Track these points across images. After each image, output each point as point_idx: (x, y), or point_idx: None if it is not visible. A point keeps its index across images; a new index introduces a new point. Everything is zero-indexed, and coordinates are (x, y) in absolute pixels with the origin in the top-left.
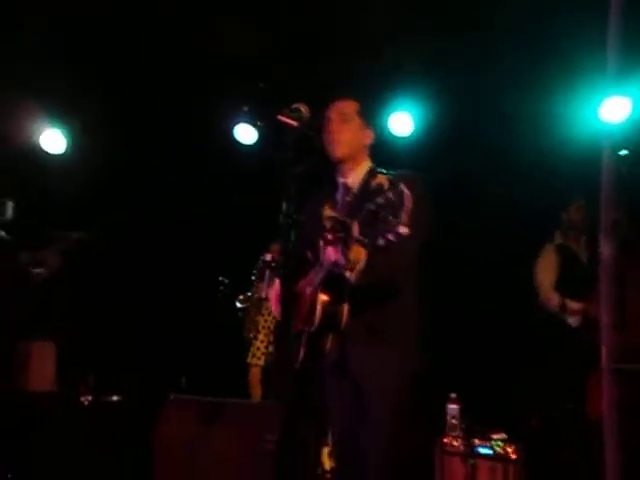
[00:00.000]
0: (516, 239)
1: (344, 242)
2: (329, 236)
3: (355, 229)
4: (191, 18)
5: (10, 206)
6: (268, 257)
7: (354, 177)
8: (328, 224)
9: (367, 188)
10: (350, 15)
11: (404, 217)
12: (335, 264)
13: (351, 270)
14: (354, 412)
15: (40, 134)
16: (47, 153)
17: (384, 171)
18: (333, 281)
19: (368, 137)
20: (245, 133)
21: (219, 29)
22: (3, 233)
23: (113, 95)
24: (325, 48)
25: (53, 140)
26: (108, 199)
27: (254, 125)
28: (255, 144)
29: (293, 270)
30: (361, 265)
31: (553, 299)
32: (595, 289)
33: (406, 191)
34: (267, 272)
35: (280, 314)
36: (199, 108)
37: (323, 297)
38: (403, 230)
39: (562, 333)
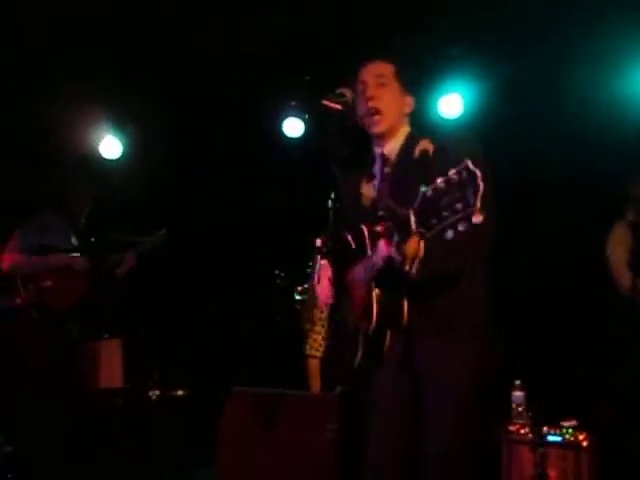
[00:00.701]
0: (584, 217)
1: (399, 235)
2: (379, 228)
3: (412, 220)
4: (237, 17)
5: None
6: (318, 242)
7: (391, 145)
8: (377, 211)
9: (408, 156)
10: None
11: (478, 202)
12: (389, 260)
13: (408, 264)
14: (410, 411)
15: (100, 141)
16: (105, 159)
17: (425, 133)
18: (388, 275)
19: (408, 104)
20: (293, 126)
21: (265, 26)
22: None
23: (168, 98)
24: (371, 32)
25: (111, 146)
26: (166, 200)
27: (301, 118)
28: (303, 136)
29: (341, 255)
30: (420, 257)
31: (625, 277)
32: None
33: (476, 169)
34: (317, 257)
35: (329, 298)
36: (249, 106)
37: (378, 293)
38: (477, 219)
39: (635, 316)
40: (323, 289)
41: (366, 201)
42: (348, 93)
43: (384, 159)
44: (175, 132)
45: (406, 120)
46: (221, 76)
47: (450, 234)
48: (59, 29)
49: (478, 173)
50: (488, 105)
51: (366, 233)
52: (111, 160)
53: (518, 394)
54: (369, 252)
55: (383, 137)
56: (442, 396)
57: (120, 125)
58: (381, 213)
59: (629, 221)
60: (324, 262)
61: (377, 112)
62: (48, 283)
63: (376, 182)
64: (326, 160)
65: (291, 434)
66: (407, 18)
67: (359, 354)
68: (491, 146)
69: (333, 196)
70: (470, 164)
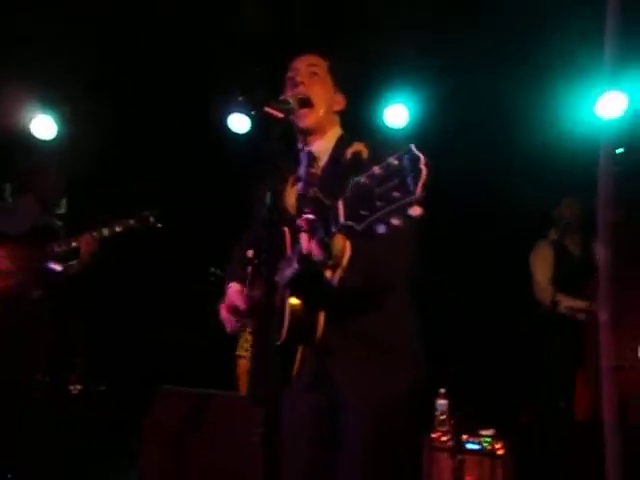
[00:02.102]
0: (510, 234)
1: (323, 229)
2: (302, 221)
3: (340, 211)
4: (187, 5)
5: (64, 202)
6: (249, 253)
7: (321, 145)
8: (301, 204)
9: (339, 157)
10: (347, 5)
11: (419, 190)
12: (309, 258)
13: (331, 267)
14: (325, 436)
15: (31, 120)
16: (38, 139)
17: (358, 138)
18: (305, 280)
19: (339, 102)
20: (238, 122)
21: (215, 17)
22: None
23: (105, 82)
24: (322, 36)
25: (44, 126)
26: (98, 187)
27: (247, 114)
28: (248, 133)
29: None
30: (345, 259)
31: (548, 294)
32: (591, 284)
33: (420, 155)
34: (249, 268)
35: (231, 328)
36: (193, 96)
37: (293, 301)
38: (415, 212)
39: (556, 329)
40: (225, 317)
41: (290, 204)
42: (292, 100)
43: (311, 158)
44: (114, 121)
45: (336, 119)
46: (167, 66)
47: (382, 228)
48: None
49: (422, 157)
50: (433, 116)
51: (287, 235)
52: (45, 141)
53: (442, 402)
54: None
55: (311, 133)
56: (360, 423)
57: (54, 105)
58: (305, 203)
59: (551, 240)
60: (232, 287)
61: (306, 103)
62: None
63: (300, 185)
64: (265, 164)
65: (218, 435)
66: (356, 25)
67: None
68: (434, 157)
69: (268, 202)
70: (414, 148)
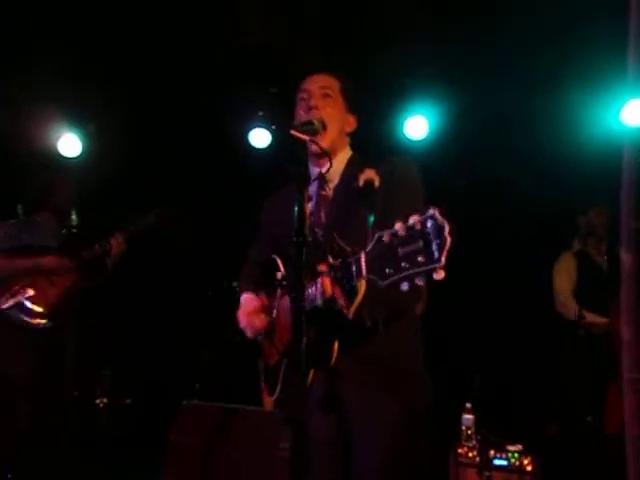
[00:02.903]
0: (535, 244)
1: (346, 278)
2: (323, 266)
3: (363, 264)
4: (207, 23)
5: (74, 216)
6: (278, 275)
7: (332, 167)
8: (323, 246)
9: (350, 181)
10: (364, 17)
11: (443, 258)
12: (331, 300)
13: (348, 306)
14: (340, 454)
15: (58, 138)
16: (64, 157)
17: (369, 162)
18: (324, 314)
19: (350, 124)
20: (259, 137)
21: (235, 34)
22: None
23: (129, 99)
24: (340, 51)
25: (70, 144)
26: (123, 202)
27: (268, 129)
28: (268, 147)
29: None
30: (360, 296)
31: (570, 306)
32: (615, 301)
33: (444, 221)
34: (278, 290)
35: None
36: (214, 112)
37: (310, 330)
38: (439, 276)
39: (581, 343)
40: (245, 323)
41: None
42: (316, 121)
43: (322, 180)
44: (136, 138)
45: (347, 140)
46: (189, 83)
47: (405, 286)
48: (14, 27)
49: (446, 225)
50: (453, 127)
51: (280, 262)
52: (70, 158)
53: (468, 417)
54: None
55: (325, 155)
56: (372, 441)
57: (79, 123)
58: (328, 246)
59: (575, 251)
60: (246, 296)
61: (320, 125)
62: (19, 287)
63: (311, 204)
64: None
65: (243, 451)
66: (376, 40)
67: (277, 389)
68: (454, 168)
69: (296, 225)
70: (437, 214)
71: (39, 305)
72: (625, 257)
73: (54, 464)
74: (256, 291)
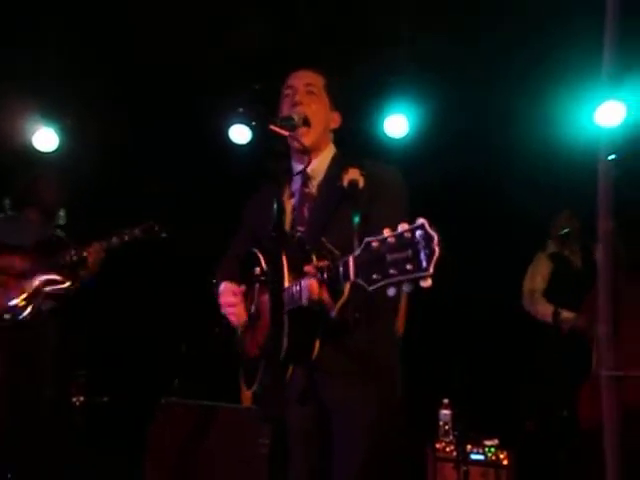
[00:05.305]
0: (510, 243)
1: (334, 281)
2: (309, 268)
3: (351, 269)
4: (188, 18)
5: (62, 214)
6: (257, 270)
7: (315, 164)
8: (305, 245)
9: (334, 179)
10: (346, 17)
11: (431, 268)
12: (316, 302)
13: (331, 307)
14: (318, 444)
15: (33, 133)
16: (39, 152)
17: (353, 162)
18: (307, 313)
19: (335, 120)
20: (239, 133)
21: (217, 30)
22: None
23: (107, 93)
24: (322, 50)
25: (45, 139)
26: (98, 198)
27: (249, 126)
28: (248, 144)
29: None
30: (345, 296)
31: (544, 306)
32: (586, 300)
33: (434, 232)
34: (255, 285)
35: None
36: (193, 107)
37: (290, 327)
38: (426, 284)
39: (556, 339)
40: (229, 311)
41: (286, 218)
42: (296, 117)
43: (305, 177)
44: (115, 133)
45: (331, 137)
46: (169, 78)
47: (392, 291)
48: None
49: (435, 236)
50: (433, 126)
51: (284, 260)
52: (46, 153)
53: (445, 412)
54: (285, 279)
55: (307, 152)
56: (350, 431)
57: (56, 117)
58: (314, 250)
59: (549, 253)
60: (224, 285)
61: (305, 122)
62: None
63: (294, 200)
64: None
65: (222, 448)
66: (357, 39)
67: (256, 382)
68: (433, 167)
69: (275, 219)
70: (427, 224)
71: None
72: (600, 257)
73: (31, 463)
74: (234, 282)
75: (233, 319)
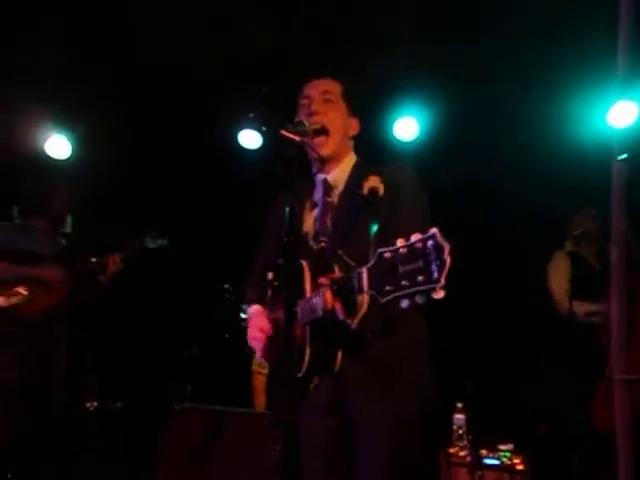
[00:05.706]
0: (524, 245)
1: (348, 293)
2: (324, 280)
3: (364, 280)
4: (197, 24)
5: (69, 221)
6: (269, 275)
7: (336, 173)
8: (328, 256)
9: (356, 190)
10: (355, 21)
11: (443, 279)
12: (332, 313)
13: (350, 318)
14: (341, 456)
15: (45, 140)
16: (52, 159)
17: (373, 169)
18: (327, 325)
19: (353, 127)
20: (249, 138)
21: (226, 35)
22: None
23: (118, 100)
24: (322, 50)
25: (58, 146)
26: (112, 204)
27: (259, 130)
28: (259, 149)
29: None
30: (364, 309)
31: (564, 304)
32: (606, 297)
33: (444, 242)
34: (269, 290)
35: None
36: (204, 113)
37: (312, 338)
38: (438, 295)
39: (571, 342)
40: (254, 340)
41: (308, 227)
42: (307, 122)
43: (327, 186)
44: (127, 139)
45: (351, 144)
46: (179, 83)
47: (405, 303)
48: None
49: (446, 247)
50: (443, 129)
51: (306, 269)
52: (59, 160)
53: (459, 417)
54: (307, 290)
55: (327, 161)
56: (373, 443)
57: (68, 125)
58: (331, 261)
59: (567, 251)
60: (254, 310)
61: (323, 131)
62: (18, 292)
63: (317, 211)
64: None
65: (235, 453)
66: (366, 42)
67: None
68: (444, 170)
69: (287, 225)
70: (438, 235)
71: (31, 312)
72: (614, 258)
73: (45, 468)
74: (262, 300)
75: (257, 352)
